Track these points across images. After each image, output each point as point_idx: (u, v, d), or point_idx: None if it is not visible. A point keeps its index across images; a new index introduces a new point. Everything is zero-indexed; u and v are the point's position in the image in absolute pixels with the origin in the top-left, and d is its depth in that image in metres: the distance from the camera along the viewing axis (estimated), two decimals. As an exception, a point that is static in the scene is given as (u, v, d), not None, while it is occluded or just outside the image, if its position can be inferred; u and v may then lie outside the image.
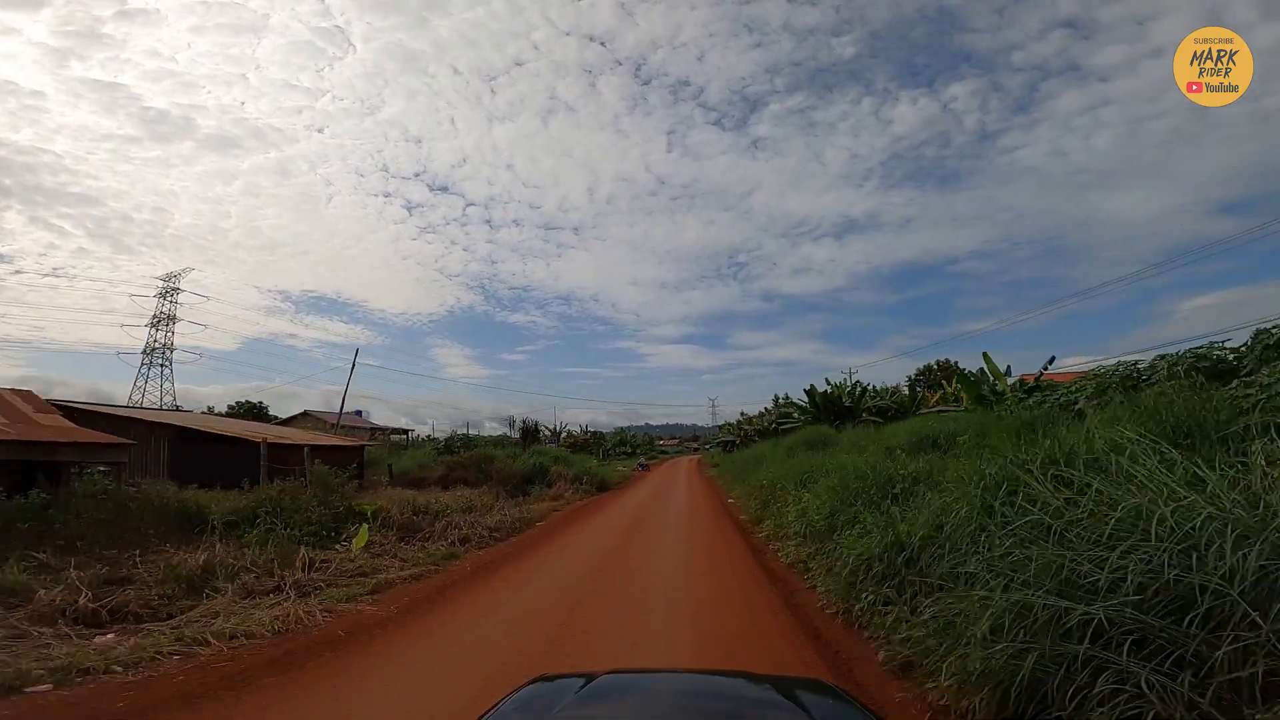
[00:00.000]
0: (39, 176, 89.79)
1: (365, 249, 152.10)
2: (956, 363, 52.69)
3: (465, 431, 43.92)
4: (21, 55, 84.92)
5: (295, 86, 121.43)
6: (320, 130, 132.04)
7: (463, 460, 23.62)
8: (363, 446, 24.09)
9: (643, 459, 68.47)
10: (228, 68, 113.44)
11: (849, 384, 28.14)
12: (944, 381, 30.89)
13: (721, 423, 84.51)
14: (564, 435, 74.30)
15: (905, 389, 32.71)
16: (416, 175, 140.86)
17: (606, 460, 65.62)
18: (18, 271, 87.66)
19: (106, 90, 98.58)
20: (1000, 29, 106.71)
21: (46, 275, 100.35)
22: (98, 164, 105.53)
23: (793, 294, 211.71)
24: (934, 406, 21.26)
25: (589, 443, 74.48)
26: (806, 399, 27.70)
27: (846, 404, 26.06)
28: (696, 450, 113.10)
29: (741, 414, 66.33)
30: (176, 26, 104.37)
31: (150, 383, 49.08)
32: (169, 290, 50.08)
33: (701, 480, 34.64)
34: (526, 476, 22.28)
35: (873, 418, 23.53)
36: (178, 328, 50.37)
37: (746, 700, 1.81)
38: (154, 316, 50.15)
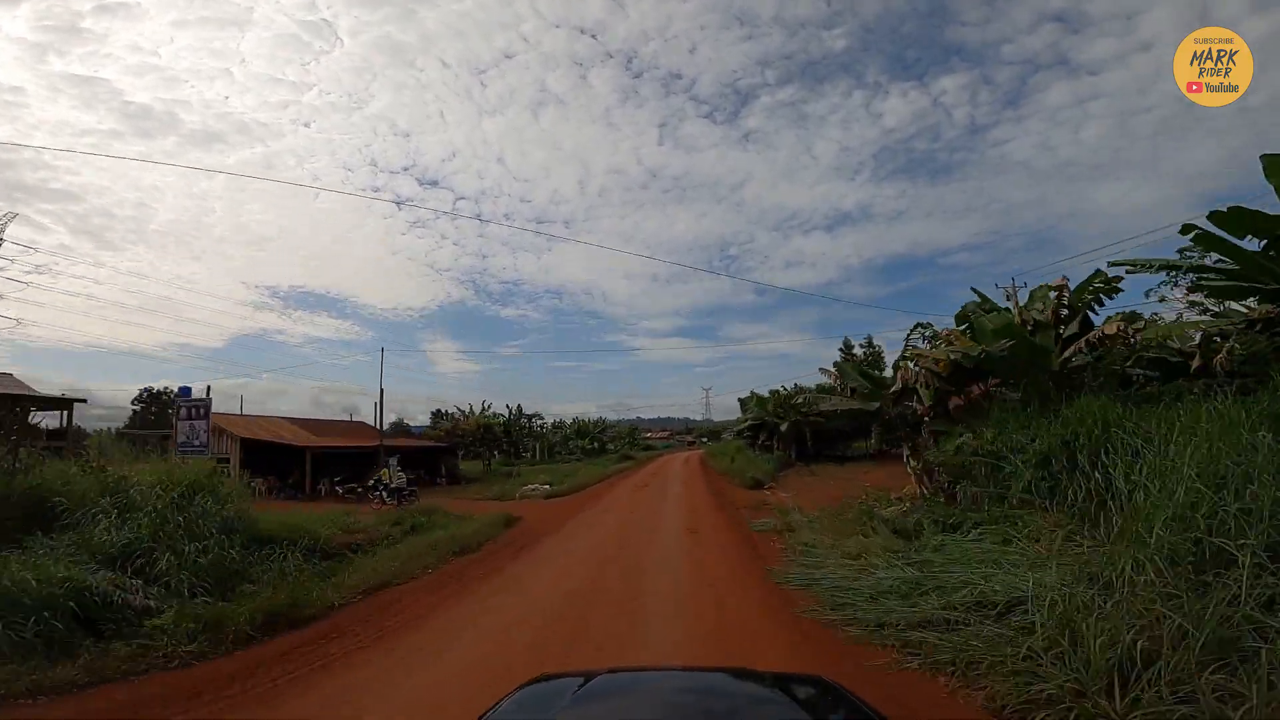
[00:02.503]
0: (20, 173, 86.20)
1: (354, 244, 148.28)
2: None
3: None
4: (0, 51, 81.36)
5: (281, 80, 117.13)
6: (307, 125, 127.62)
7: None
8: None
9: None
10: (211, 62, 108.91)
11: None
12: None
13: (723, 415, 61.12)
14: (449, 423, 41.07)
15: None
16: (406, 169, 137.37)
17: (515, 472, 33.38)
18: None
19: (86, 85, 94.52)
20: (990, 22, 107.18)
21: (29, 273, 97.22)
22: (78, 159, 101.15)
23: (785, 286, 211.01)
24: None
25: (489, 435, 40.02)
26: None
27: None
28: (692, 444, 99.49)
29: (751, 392, 42.21)
30: (158, 21, 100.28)
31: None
32: (-16, 244, 38.07)
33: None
34: None
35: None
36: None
37: (745, 698, 1.69)
38: (-38, 278, 38.67)
